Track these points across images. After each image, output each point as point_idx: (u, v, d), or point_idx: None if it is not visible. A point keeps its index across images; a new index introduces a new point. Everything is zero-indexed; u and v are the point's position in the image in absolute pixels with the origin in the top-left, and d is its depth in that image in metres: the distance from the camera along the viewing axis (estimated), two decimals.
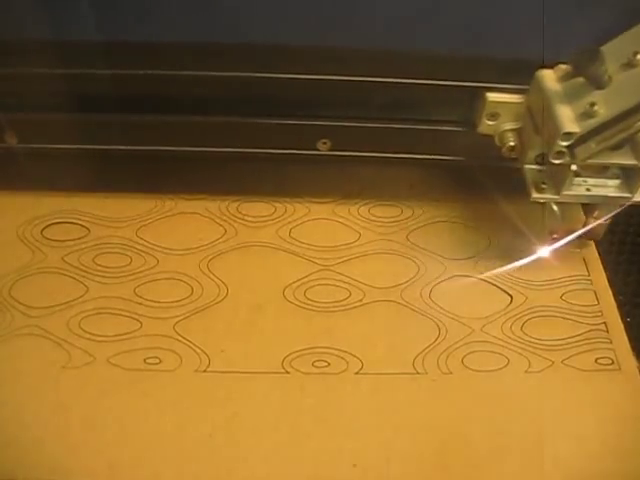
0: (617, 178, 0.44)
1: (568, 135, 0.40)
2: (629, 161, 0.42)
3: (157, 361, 0.44)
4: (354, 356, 0.44)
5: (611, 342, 0.46)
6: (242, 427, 0.41)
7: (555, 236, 0.48)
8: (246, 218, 0.50)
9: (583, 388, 0.44)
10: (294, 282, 0.47)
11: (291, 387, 0.42)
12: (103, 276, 0.47)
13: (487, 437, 0.41)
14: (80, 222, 0.50)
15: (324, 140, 0.48)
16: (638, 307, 0.48)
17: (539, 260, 0.48)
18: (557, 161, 0.42)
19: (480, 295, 0.47)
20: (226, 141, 0.48)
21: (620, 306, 0.47)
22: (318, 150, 0.49)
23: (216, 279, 0.47)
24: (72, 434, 0.41)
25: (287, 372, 0.43)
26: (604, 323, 0.47)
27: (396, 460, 0.40)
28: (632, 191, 0.44)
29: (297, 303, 0.46)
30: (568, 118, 0.41)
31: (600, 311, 0.47)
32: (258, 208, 0.51)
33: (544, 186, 0.45)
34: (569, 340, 0.45)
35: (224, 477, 0.39)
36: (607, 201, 0.45)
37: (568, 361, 0.45)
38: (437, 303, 0.46)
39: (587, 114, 0.40)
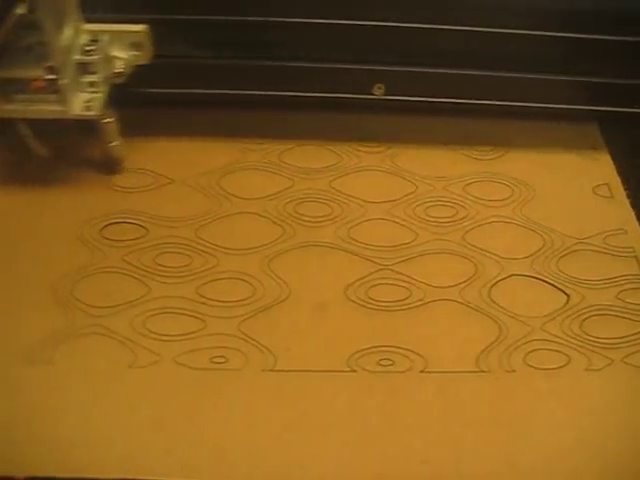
0: (55, 94, 0.48)
1: None
2: (32, 73, 0.46)
3: (223, 360, 0.44)
4: (418, 354, 0.44)
5: None
6: (312, 426, 0.41)
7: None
8: (303, 218, 0.50)
9: None
10: (355, 281, 0.47)
11: (358, 386, 0.43)
12: (164, 275, 0.47)
13: (551, 434, 0.42)
14: (138, 222, 0.50)
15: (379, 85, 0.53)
16: None
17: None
18: None
19: (537, 294, 0.48)
20: (283, 85, 0.52)
21: None
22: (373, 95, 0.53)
23: (277, 279, 0.47)
24: (143, 433, 0.41)
25: (353, 371, 0.43)
26: None
27: (465, 457, 0.40)
28: (66, 105, 0.48)
29: (359, 302, 0.46)
30: None
31: None
32: (315, 208, 0.51)
33: None
34: (627, 338, 0.46)
35: (296, 476, 0.40)
36: (47, 115, 0.48)
37: (628, 359, 0.45)
38: (496, 302, 0.47)
39: None
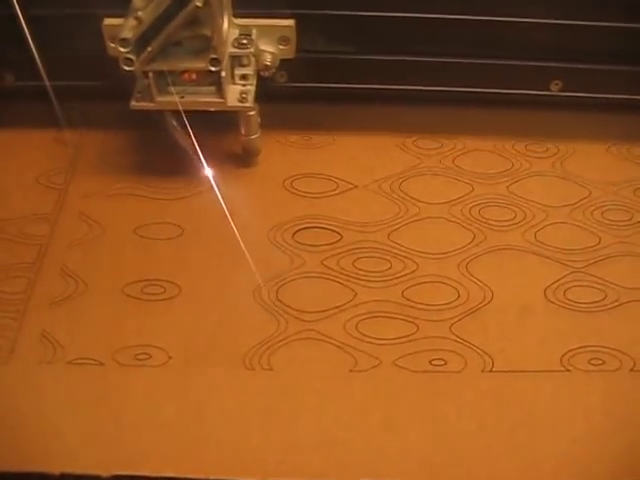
0: (211, 85, 0.49)
1: (124, 41, 0.46)
2: (195, 65, 0.48)
3: (442, 362, 0.45)
4: (625, 354, 0.46)
5: None
6: (539, 425, 0.42)
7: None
8: (490, 222, 0.52)
9: None
10: (552, 284, 0.49)
11: (575, 384, 0.44)
12: (368, 280, 0.48)
13: None
14: (329, 227, 0.51)
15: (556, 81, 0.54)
16: None
17: None
18: (127, 68, 0.47)
19: None
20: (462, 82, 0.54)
21: None
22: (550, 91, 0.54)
23: (478, 282, 0.48)
24: (377, 436, 0.42)
25: (567, 370, 0.45)
26: None
27: None
28: (223, 97, 0.50)
29: (559, 304, 0.48)
30: (127, 27, 0.47)
31: None
32: (499, 212, 0.52)
33: (139, 95, 0.49)
34: None
35: (530, 473, 0.41)
36: (203, 106, 0.50)
37: None
38: None
39: (138, 21, 0.46)
